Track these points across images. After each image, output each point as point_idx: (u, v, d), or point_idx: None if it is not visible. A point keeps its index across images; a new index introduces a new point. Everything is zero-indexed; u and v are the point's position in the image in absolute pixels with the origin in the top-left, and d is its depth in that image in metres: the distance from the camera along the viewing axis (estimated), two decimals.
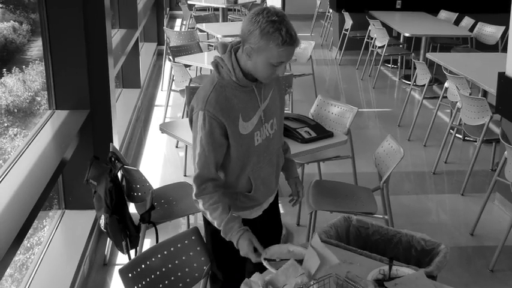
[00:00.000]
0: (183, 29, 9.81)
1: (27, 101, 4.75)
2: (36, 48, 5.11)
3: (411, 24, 8.03)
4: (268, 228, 2.51)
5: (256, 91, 2.24)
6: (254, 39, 2.06)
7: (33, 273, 3.12)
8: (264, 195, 2.39)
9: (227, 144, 2.21)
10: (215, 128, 2.14)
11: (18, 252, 2.97)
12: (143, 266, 2.18)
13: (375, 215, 3.28)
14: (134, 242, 3.08)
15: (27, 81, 4.79)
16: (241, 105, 2.19)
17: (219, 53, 2.23)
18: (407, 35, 7.48)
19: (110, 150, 3.15)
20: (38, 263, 3.21)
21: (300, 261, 1.97)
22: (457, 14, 8.37)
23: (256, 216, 2.42)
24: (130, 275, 2.12)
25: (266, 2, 11.73)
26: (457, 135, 5.56)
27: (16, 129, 4.47)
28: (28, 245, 3.65)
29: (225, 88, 2.18)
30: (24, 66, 4.93)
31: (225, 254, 2.33)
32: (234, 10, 11.64)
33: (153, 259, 2.22)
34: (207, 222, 2.35)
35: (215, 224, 2.21)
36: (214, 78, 2.20)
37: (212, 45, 7.70)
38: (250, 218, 2.38)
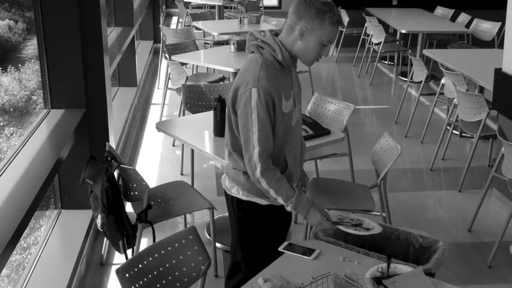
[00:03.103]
0: (179, 27, 9.79)
1: (23, 100, 4.73)
2: (32, 47, 5.09)
3: (408, 21, 8.02)
4: (288, 217, 2.65)
5: (293, 73, 2.42)
6: (309, 19, 2.24)
7: (30, 273, 3.10)
8: (294, 175, 2.48)
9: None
10: (269, 103, 2.26)
11: (15, 252, 2.95)
12: (140, 265, 2.17)
13: (373, 212, 3.28)
14: (131, 242, 3.07)
15: (23, 80, 4.77)
16: (282, 85, 2.34)
17: (252, 39, 2.36)
18: (403, 31, 7.47)
19: (106, 149, 3.14)
20: (35, 263, 3.20)
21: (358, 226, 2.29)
22: (453, 10, 8.36)
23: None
24: (127, 274, 2.11)
25: (262, 0, 11.70)
26: (454, 131, 5.56)
27: (12, 128, 4.45)
28: (25, 245, 3.64)
29: (269, 68, 2.31)
30: (20, 65, 4.91)
31: (253, 243, 2.38)
32: (230, 8, 11.61)
33: (150, 259, 2.21)
34: (237, 209, 2.47)
35: (279, 200, 2.33)
36: (258, 59, 2.33)
37: (208, 43, 7.68)
38: (279, 204, 2.42)
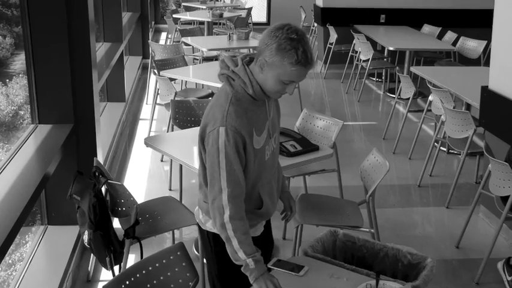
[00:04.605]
0: (168, 43, 9.81)
1: (10, 115, 4.70)
2: (19, 62, 5.07)
3: (395, 38, 8.10)
4: (266, 243, 2.51)
5: (267, 104, 2.23)
6: (269, 53, 2.03)
7: None
8: (271, 210, 2.36)
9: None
10: (239, 143, 2.09)
11: (0, 268, 2.91)
12: (128, 282, 2.15)
13: (361, 229, 3.28)
14: (118, 258, 3.04)
15: (11, 95, 4.74)
16: (254, 119, 2.16)
17: (224, 67, 2.17)
18: (391, 48, 7.54)
19: (94, 164, 3.12)
20: (20, 279, 3.16)
21: None
22: (440, 28, 8.47)
23: (259, 234, 2.39)
24: None
25: (251, 16, 11.78)
26: (441, 148, 5.60)
27: None
28: (10, 261, 3.59)
29: (240, 101, 2.13)
30: (7, 80, 4.89)
31: (234, 278, 2.24)
32: (219, 24, 11.67)
33: (138, 275, 2.19)
34: (214, 243, 2.29)
35: (239, 253, 2.10)
36: (227, 93, 2.14)
37: (197, 59, 7.70)
38: (255, 235, 2.33)
